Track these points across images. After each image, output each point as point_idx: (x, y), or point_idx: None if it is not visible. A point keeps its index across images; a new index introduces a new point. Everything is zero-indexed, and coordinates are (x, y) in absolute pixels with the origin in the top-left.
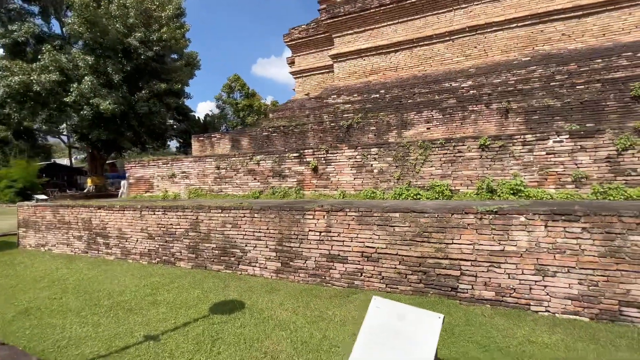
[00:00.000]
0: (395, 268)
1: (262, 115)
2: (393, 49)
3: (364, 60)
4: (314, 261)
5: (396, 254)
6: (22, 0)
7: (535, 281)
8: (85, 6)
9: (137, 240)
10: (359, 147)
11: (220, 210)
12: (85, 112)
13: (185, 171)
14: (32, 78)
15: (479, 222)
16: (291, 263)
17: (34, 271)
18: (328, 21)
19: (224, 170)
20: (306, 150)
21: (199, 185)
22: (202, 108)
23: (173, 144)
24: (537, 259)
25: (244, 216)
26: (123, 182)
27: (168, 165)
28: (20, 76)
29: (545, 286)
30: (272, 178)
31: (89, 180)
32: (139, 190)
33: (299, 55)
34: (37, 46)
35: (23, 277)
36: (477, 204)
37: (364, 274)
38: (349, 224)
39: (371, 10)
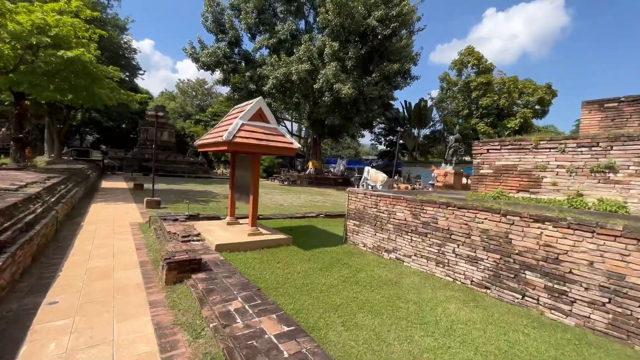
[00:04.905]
0: None
1: (504, 94)
2: None
3: None
4: None
5: None
6: (285, 2)
7: None
8: None
9: None
10: None
11: None
12: (326, 98)
13: None
14: (291, 69)
15: None
16: None
17: (450, 318)
18: None
19: None
20: None
21: None
22: None
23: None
24: None
25: None
26: (367, 168)
27: None
28: (284, 68)
29: None
30: None
31: (310, 163)
32: None
33: None
34: (291, 41)
35: (462, 340)
36: None
37: None
38: None
39: None
